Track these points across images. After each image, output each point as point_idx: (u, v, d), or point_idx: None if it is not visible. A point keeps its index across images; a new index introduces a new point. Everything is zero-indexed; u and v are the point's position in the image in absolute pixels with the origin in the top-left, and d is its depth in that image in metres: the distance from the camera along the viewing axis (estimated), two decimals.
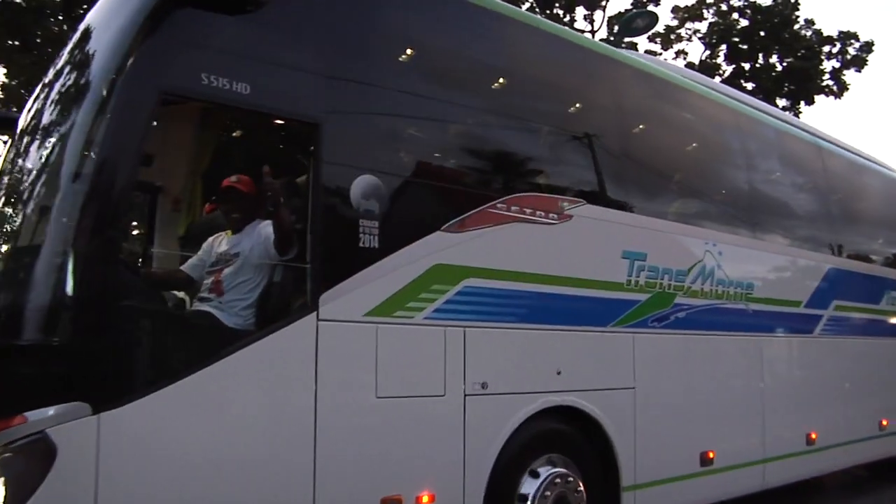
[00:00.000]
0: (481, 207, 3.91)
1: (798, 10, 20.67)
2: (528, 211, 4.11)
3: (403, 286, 3.54)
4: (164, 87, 3.06)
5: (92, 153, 2.90)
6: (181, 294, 4.11)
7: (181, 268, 3.88)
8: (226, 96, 3.15)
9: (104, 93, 3.00)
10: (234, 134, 4.70)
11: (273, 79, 3.30)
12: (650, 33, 19.33)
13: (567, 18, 19.33)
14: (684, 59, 21.62)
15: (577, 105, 4.87)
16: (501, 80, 4.38)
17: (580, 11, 19.92)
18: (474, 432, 3.74)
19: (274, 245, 3.46)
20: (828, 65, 21.06)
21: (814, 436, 6.04)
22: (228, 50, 3.21)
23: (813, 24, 21.10)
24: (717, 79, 20.12)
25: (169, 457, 2.88)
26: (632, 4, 20.11)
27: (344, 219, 3.42)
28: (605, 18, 19.99)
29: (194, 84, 3.08)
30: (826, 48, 21.01)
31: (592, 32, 19.39)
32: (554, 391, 4.13)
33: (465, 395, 3.73)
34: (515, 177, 4.29)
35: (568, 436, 4.27)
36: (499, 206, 3.98)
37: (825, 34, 20.98)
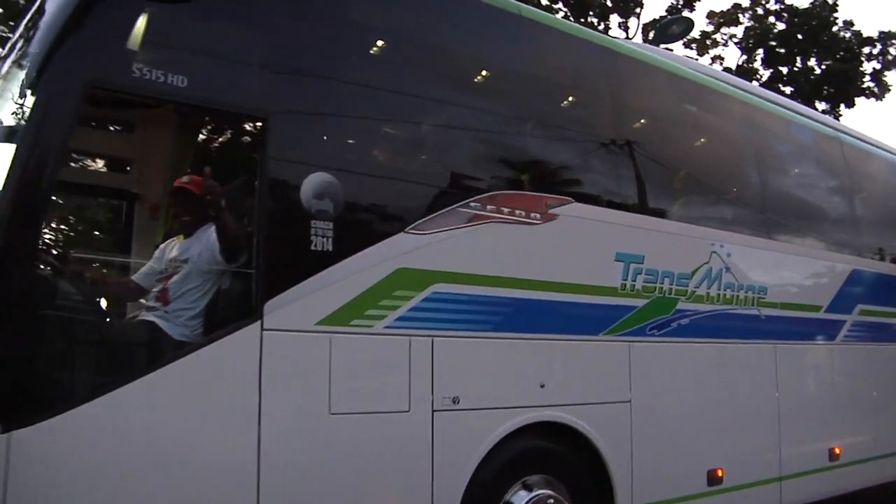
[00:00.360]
0: (452, 206, 3.61)
1: (836, 11, 20.11)
2: (506, 210, 3.80)
3: (361, 292, 3.26)
4: (91, 79, 2.84)
5: (12, 146, 2.69)
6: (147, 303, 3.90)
7: (132, 277, 3.65)
8: (160, 89, 2.92)
9: (28, 84, 2.82)
10: (198, 134, 4.48)
11: (213, 71, 3.06)
12: (686, 39, 19.03)
13: (602, 26, 19.02)
14: (721, 64, 21.18)
15: (562, 93, 4.53)
16: (471, 68, 4.08)
17: (614, 19, 19.78)
18: (444, 451, 3.43)
19: (220, 250, 3.22)
20: (868, 66, 20.39)
21: (838, 451, 5.59)
22: (163, 41, 2.99)
23: (852, 25, 20.47)
24: (755, 83, 19.65)
25: (87, 483, 2.63)
26: (666, 11, 19.71)
27: (293, 220, 3.15)
28: (640, 25, 19.74)
29: (125, 77, 2.86)
30: (866, 49, 20.34)
31: (627, 39, 19.01)
32: (537, 406, 3.80)
33: (434, 411, 3.42)
34: (491, 173, 3.98)
35: (556, 454, 3.93)
36: (472, 204, 3.67)
37: (865, 35, 20.34)
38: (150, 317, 3.28)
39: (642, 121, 4.96)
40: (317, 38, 3.39)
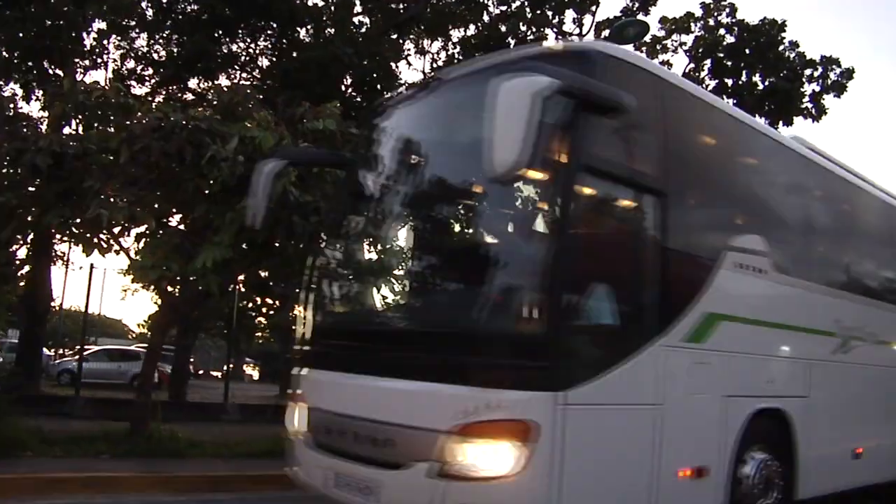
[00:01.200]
0: None
1: (784, 31, 20.51)
2: None
3: None
4: None
5: None
6: None
7: None
8: None
9: None
10: None
11: None
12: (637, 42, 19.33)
13: (556, 20, 19.12)
14: (668, 69, 20.69)
15: None
16: None
17: (570, 14, 19.64)
18: None
19: None
20: (808, 88, 20.94)
21: None
22: None
23: (797, 46, 20.87)
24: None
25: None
26: (621, 11, 19.45)
27: None
28: (594, 23, 19.72)
29: None
30: (808, 71, 20.75)
31: (581, 36, 19.16)
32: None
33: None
34: None
35: None
36: None
37: (808, 57, 20.79)
38: None
39: None
40: None
